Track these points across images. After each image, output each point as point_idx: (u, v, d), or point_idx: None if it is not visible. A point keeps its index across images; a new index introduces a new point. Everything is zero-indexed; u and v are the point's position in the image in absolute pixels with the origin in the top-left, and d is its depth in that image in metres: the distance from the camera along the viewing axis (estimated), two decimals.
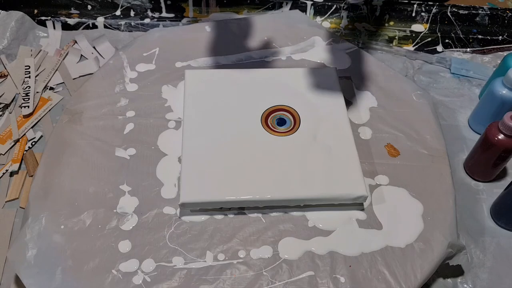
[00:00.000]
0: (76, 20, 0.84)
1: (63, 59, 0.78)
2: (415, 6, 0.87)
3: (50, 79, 0.75)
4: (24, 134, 0.68)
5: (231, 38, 0.77)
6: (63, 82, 0.75)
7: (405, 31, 0.86)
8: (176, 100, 0.68)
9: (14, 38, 0.79)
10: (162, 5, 0.86)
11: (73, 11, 0.85)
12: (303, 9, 0.86)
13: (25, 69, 0.75)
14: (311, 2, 0.87)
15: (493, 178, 0.65)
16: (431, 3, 0.88)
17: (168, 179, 0.60)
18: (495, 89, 0.64)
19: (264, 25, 0.79)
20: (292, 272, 0.52)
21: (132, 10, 0.86)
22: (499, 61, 0.77)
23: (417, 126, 0.66)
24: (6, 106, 0.71)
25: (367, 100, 0.69)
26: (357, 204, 0.58)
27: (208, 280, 0.52)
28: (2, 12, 0.81)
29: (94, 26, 0.84)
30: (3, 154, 0.66)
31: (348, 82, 0.72)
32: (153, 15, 0.86)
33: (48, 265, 0.52)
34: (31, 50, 0.78)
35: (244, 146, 0.60)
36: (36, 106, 0.71)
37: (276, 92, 0.66)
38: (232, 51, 0.75)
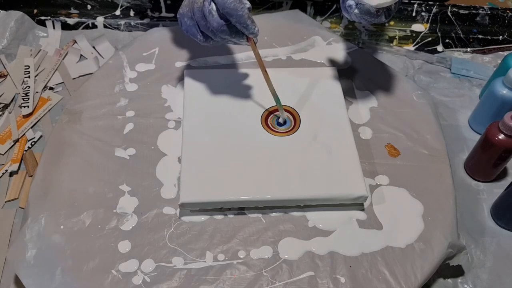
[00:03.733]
0: (76, 20, 0.84)
1: (63, 59, 0.78)
2: (415, 5, 0.87)
3: (49, 79, 0.75)
4: (24, 134, 0.68)
5: None
6: (63, 82, 0.75)
7: (405, 31, 0.86)
8: (176, 100, 0.68)
9: (14, 38, 0.79)
10: (162, 4, 0.86)
11: (72, 11, 0.85)
12: (303, 9, 0.86)
13: (25, 69, 0.75)
14: (311, 2, 0.87)
15: (493, 178, 0.65)
16: (431, 2, 0.88)
17: (168, 179, 0.60)
18: (496, 89, 0.64)
19: (264, 25, 0.78)
20: (292, 273, 0.52)
21: (131, 10, 0.86)
22: (499, 61, 0.77)
23: (418, 126, 0.66)
24: (6, 106, 0.71)
25: (367, 100, 0.69)
26: (357, 204, 0.58)
27: (208, 281, 0.52)
28: (2, 12, 0.81)
29: (94, 26, 0.83)
30: (3, 154, 0.65)
31: (348, 82, 0.72)
32: (153, 14, 0.86)
33: (48, 265, 0.51)
34: (31, 50, 0.78)
35: (244, 146, 0.60)
36: (36, 106, 0.71)
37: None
38: (232, 51, 0.75)
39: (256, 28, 0.54)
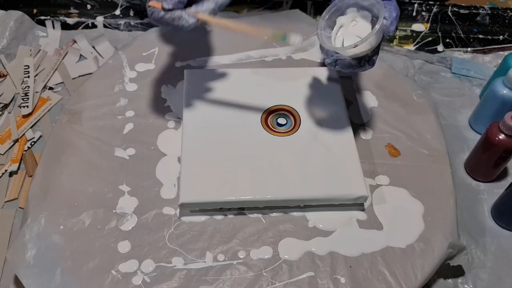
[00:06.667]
0: (76, 19, 0.84)
1: (63, 58, 0.78)
2: (415, 5, 0.87)
3: (49, 79, 0.75)
4: (23, 134, 0.68)
5: (231, 38, 0.77)
6: (63, 82, 0.75)
7: (405, 30, 0.85)
8: (175, 100, 0.68)
9: (14, 37, 0.79)
10: None
11: (72, 10, 0.85)
12: (303, 9, 0.86)
13: (24, 69, 0.75)
14: (311, 2, 0.87)
15: (493, 178, 0.65)
16: (432, 2, 0.87)
17: (167, 179, 0.59)
18: (496, 89, 0.64)
19: (264, 25, 0.79)
20: (292, 273, 0.52)
21: (131, 10, 0.86)
22: (499, 61, 0.77)
23: (418, 126, 0.66)
24: (5, 106, 0.71)
25: (367, 100, 0.69)
26: (357, 204, 0.58)
27: (208, 281, 0.51)
28: (1, 11, 0.81)
29: (94, 26, 0.83)
30: (3, 154, 0.65)
31: (348, 82, 0.72)
32: None
33: (48, 265, 0.51)
34: (31, 50, 0.78)
35: (244, 146, 0.60)
36: (35, 106, 0.71)
37: (276, 92, 0.66)
38: (232, 51, 0.75)
39: (190, 22, 0.50)
